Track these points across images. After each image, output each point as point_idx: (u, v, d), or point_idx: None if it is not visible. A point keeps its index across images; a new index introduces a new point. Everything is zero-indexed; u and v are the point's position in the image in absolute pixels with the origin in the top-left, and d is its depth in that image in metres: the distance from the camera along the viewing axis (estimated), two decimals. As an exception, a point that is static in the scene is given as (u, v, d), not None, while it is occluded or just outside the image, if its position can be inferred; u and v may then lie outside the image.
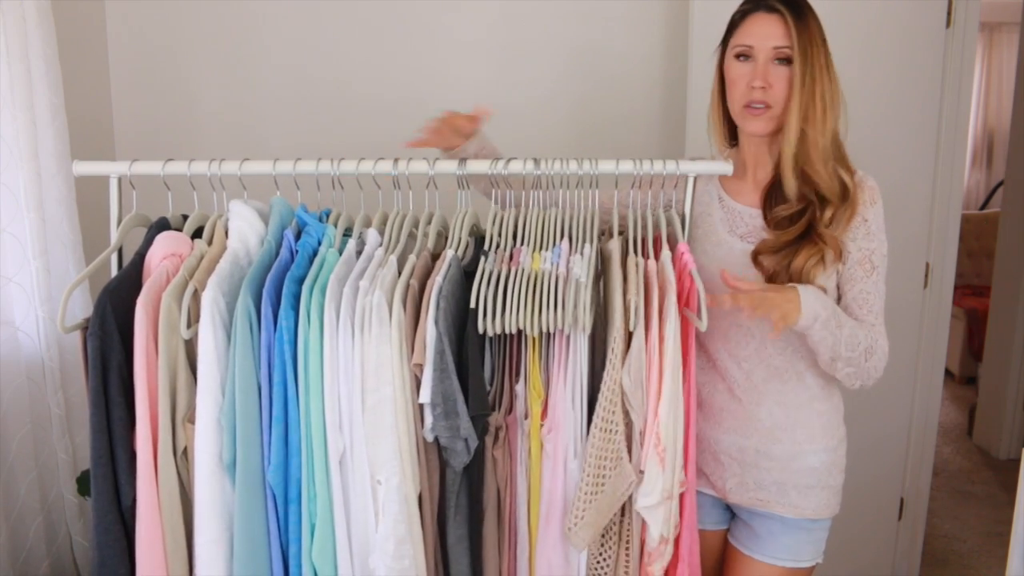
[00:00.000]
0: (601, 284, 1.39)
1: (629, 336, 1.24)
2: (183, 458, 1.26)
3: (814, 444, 1.43)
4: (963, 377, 4.61)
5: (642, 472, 1.25)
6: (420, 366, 1.23)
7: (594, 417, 1.23)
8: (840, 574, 2.41)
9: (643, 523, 1.28)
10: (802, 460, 1.42)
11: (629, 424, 1.25)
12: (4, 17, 1.69)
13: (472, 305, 1.23)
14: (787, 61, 1.32)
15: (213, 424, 1.22)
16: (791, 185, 1.35)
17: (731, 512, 1.54)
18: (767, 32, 1.33)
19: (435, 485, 1.29)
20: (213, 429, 1.22)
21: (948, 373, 3.52)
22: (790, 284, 1.31)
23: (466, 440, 1.24)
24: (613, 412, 1.23)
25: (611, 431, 1.23)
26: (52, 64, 1.81)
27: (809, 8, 1.34)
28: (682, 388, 1.26)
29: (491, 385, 1.30)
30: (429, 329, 1.21)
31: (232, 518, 1.25)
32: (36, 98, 1.77)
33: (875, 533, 2.51)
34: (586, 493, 1.24)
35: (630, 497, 1.27)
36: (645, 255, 1.33)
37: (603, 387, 1.22)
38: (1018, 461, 1.57)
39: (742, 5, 1.39)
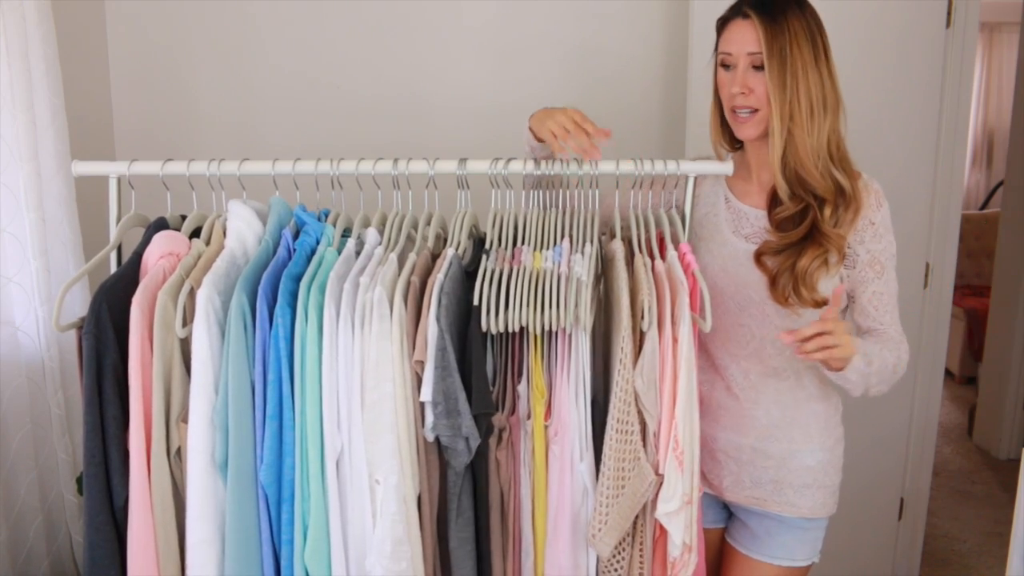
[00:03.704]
0: (602, 284, 1.39)
1: (639, 336, 1.23)
2: (176, 458, 1.25)
3: (810, 443, 1.43)
4: (963, 377, 4.61)
5: (660, 475, 1.24)
6: (421, 363, 1.22)
7: (609, 419, 1.22)
8: (840, 574, 2.41)
9: (658, 524, 1.28)
10: (798, 459, 1.43)
11: (643, 425, 1.25)
12: (4, 17, 1.69)
13: (476, 302, 1.23)
14: (763, 66, 1.32)
15: (206, 423, 1.22)
16: (782, 186, 1.35)
17: (728, 511, 1.54)
18: (741, 38, 1.33)
19: (435, 486, 1.29)
20: (206, 428, 1.22)
21: (948, 373, 3.52)
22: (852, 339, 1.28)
23: (467, 439, 1.24)
24: (627, 413, 1.22)
25: (627, 432, 1.22)
26: (52, 64, 1.81)
27: (793, 8, 1.32)
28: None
29: (493, 385, 1.29)
30: (431, 326, 1.21)
31: (224, 518, 1.24)
32: (36, 98, 1.77)
33: (875, 533, 2.51)
34: (607, 497, 1.23)
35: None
36: (651, 255, 1.33)
37: (615, 388, 1.21)
38: (1018, 461, 1.58)
39: (724, 13, 1.40)
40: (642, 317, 1.21)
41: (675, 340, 1.23)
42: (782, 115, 1.31)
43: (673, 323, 1.23)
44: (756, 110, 1.34)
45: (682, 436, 1.23)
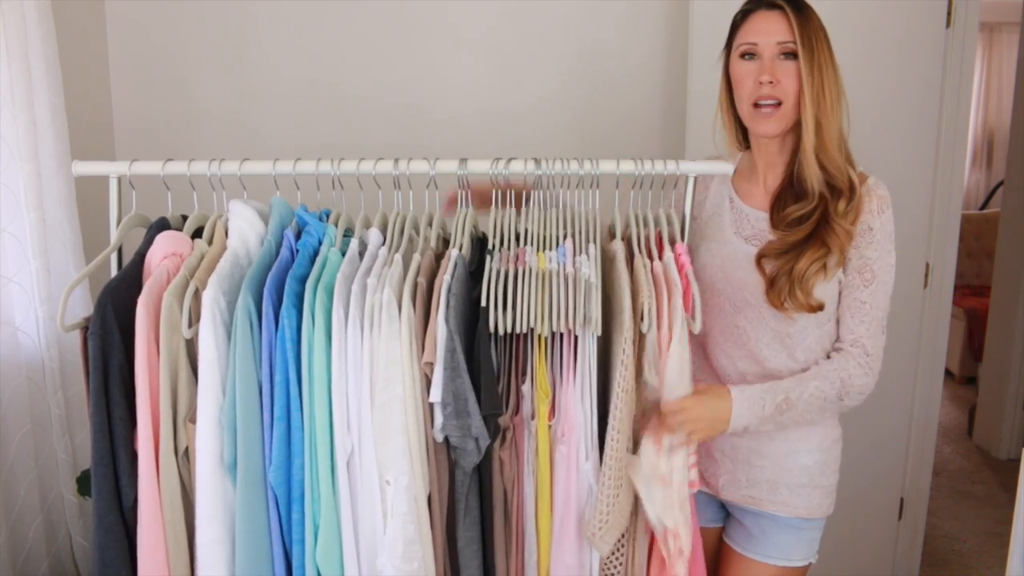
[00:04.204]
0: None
1: (640, 338, 1.23)
2: (184, 458, 1.25)
3: (807, 443, 1.43)
4: (963, 377, 4.61)
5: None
6: (431, 364, 1.22)
7: (610, 419, 1.22)
8: (840, 574, 2.41)
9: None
10: (794, 459, 1.43)
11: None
12: (4, 17, 1.69)
13: (483, 303, 1.22)
14: (792, 55, 1.33)
15: (214, 424, 1.22)
16: (816, 177, 1.34)
17: (726, 510, 1.54)
18: (770, 28, 1.33)
19: (444, 486, 1.29)
20: (214, 429, 1.22)
21: (948, 373, 3.52)
22: (727, 390, 1.33)
23: (477, 440, 1.24)
24: (628, 414, 1.22)
25: (626, 431, 1.23)
26: (52, 64, 1.81)
27: (808, 5, 1.35)
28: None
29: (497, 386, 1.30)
30: (440, 327, 1.21)
31: (234, 518, 1.24)
32: (36, 98, 1.78)
33: (875, 533, 2.51)
34: (608, 496, 1.23)
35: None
36: (649, 255, 1.33)
37: (617, 389, 1.21)
38: (1018, 461, 1.58)
39: (743, 6, 1.40)
40: (641, 319, 1.22)
41: (669, 340, 1.24)
42: (813, 103, 1.31)
43: (670, 323, 1.24)
44: (780, 103, 1.34)
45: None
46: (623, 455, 1.23)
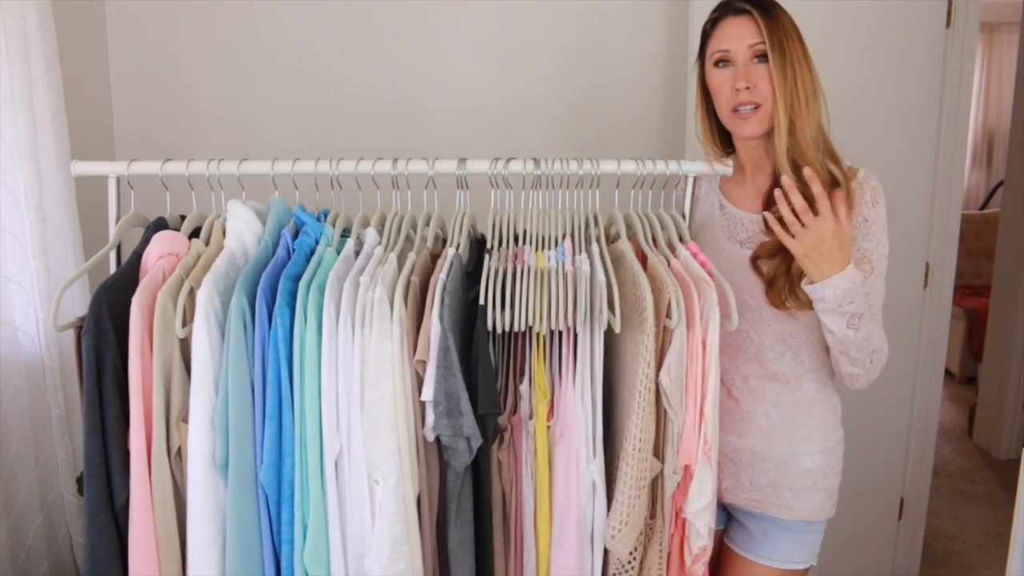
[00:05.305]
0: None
1: (663, 334, 1.22)
2: (177, 458, 1.25)
3: (810, 446, 1.43)
4: (963, 377, 4.61)
5: (682, 471, 1.23)
6: (423, 363, 1.22)
7: (634, 418, 1.21)
8: (840, 574, 2.41)
9: (674, 522, 1.27)
10: (798, 462, 1.42)
11: (663, 423, 1.24)
12: (4, 17, 1.69)
13: (481, 301, 1.22)
14: (765, 58, 1.33)
15: (206, 423, 1.21)
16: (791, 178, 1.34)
17: (727, 513, 1.54)
18: (740, 33, 1.34)
19: (435, 486, 1.28)
20: (206, 428, 1.21)
21: (948, 373, 3.53)
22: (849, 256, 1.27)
23: (468, 439, 1.23)
24: (650, 413, 1.21)
25: (650, 432, 1.22)
26: (52, 64, 1.81)
27: (777, 6, 1.35)
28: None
29: (495, 386, 1.29)
30: (434, 325, 1.20)
31: (225, 518, 1.24)
32: (36, 98, 1.77)
33: (875, 533, 2.51)
34: (629, 498, 1.22)
35: (657, 496, 1.27)
36: (663, 253, 1.33)
37: (640, 388, 1.20)
38: (1018, 461, 1.58)
39: (711, 14, 1.40)
40: (668, 315, 1.21)
41: (704, 338, 1.22)
42: (785, 104, 1.31)
43: (702, 320, 1.22)
44: (759, 105, 1.34)
45: (711, 435, 1.23)
46: (648, 456, 1.22)
